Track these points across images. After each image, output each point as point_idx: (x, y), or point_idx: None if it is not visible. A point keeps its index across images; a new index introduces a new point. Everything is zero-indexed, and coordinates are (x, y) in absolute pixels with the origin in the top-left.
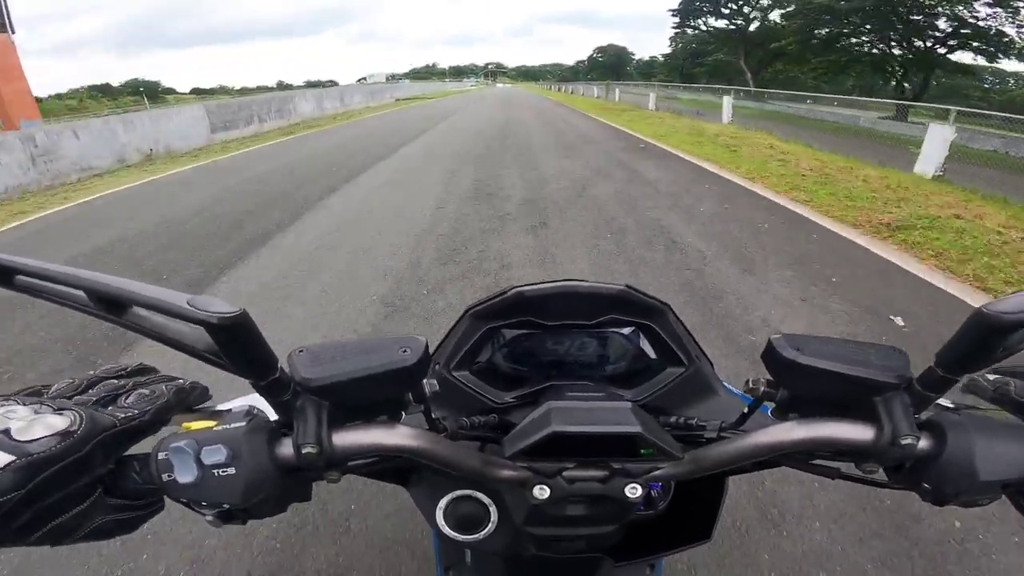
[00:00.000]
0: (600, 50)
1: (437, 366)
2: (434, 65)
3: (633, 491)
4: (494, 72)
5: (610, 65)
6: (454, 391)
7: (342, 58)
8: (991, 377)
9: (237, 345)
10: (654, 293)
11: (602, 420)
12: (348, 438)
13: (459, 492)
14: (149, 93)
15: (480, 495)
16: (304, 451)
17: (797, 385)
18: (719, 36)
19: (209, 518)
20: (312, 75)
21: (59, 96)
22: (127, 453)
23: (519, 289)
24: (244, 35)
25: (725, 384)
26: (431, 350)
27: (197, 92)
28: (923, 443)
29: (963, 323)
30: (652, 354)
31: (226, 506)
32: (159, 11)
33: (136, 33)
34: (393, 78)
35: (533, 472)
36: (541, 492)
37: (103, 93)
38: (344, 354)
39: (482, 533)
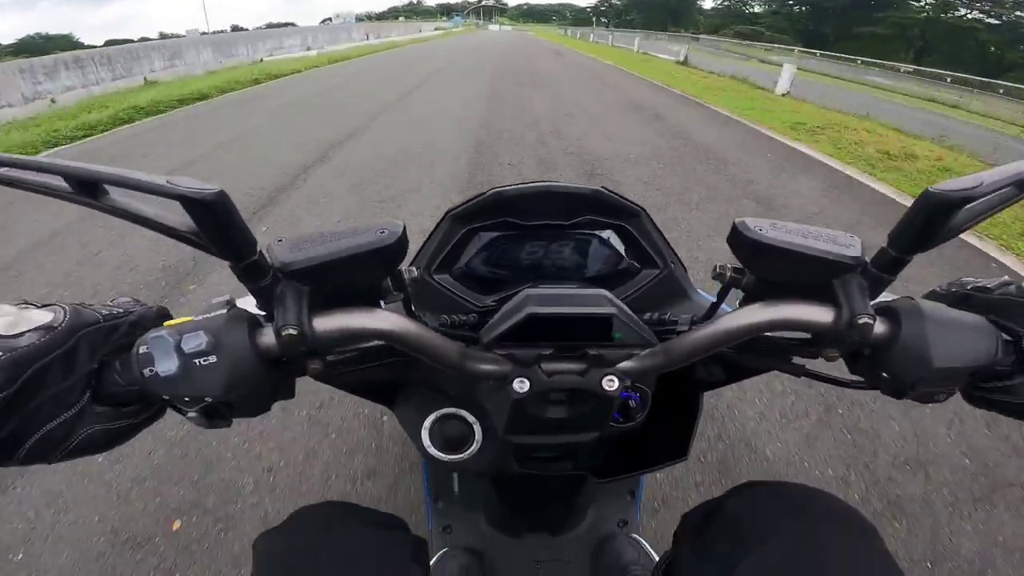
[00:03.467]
0: None
1: (419, 269)
2: (419, 3)
3: (610, 383)
4: (488, 9)
5: (661, 4)
6: (435, 294)
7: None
8: (944, 285)
9: (215, 224)
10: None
11: (578, 302)
12: (330, 322)
13: (444, 411)
14: (44, 50)
15: (464, 413)
16: (284, 333)
17: (761, 267)
18: None
19: (192, 414)
20: (276, 17)
21: None
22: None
23: (498, 189)
24: None
25: (699, 291)
26: (408, 235)
27: (111, 44)
28: (879, 327)
29: (912, 203)
30: (628, 257)
31: (208, 399)
32: None
33: None
34: (370, 18)
35: (512, 362)
36: (521, 385)
37: None
38: (323, 240)
39: (467, 452)
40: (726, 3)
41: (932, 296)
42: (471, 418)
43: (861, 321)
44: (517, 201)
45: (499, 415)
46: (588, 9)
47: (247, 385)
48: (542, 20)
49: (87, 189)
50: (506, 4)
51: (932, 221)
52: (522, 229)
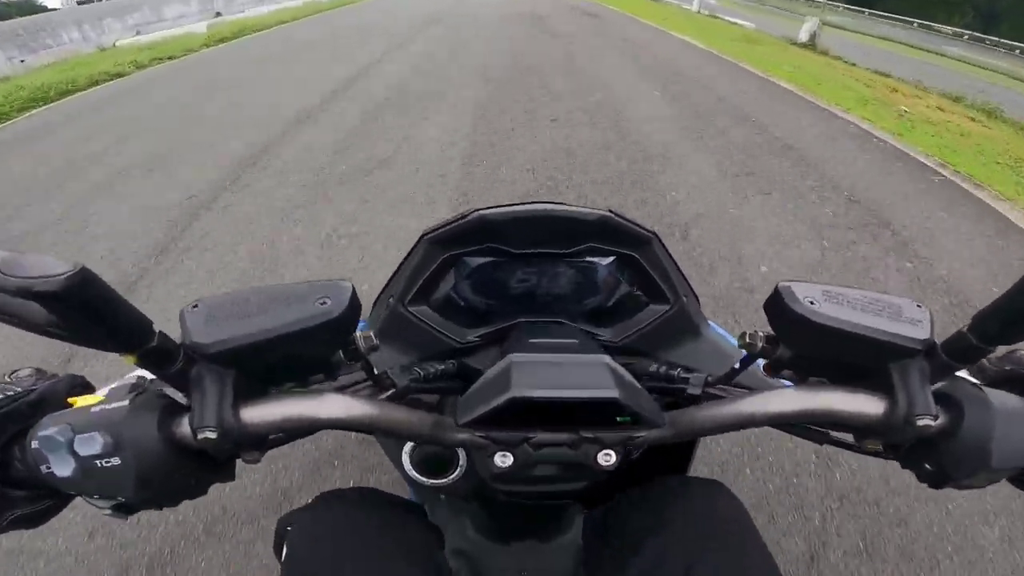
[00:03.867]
0: None
1: (391, 300)
2: None
3: (607, 459)
4: None
5: None
6: (409, 328)
7: None
8: (994, 359)
9: (81, 314)
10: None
11: (573, 382)
12: (262, 413)
13: None
14: (5, 18)
15: None
16: (201, 436)
17: (802, 343)
18: None
19: (107, 512)
20: None
21: None
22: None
23: (481, 212)
24: None
25: (712, 324)
26: (359, 296)
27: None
28: (938, 420)
29: (1015, 284)
30: (634, 289)
31: (121, 499)
32: None
33: None
34: None
35: (492, 441)
36: (503, 460)
37: None
38: (249, 309)
39: (450, 478)
40: None
41: (977, 372)
42: None
43: (920, 423)
44: (505, 226)
45: (483, 467)
46: None
47: (164, 482)
48: None
49: None
50: None
51: None
52: (511, 256)
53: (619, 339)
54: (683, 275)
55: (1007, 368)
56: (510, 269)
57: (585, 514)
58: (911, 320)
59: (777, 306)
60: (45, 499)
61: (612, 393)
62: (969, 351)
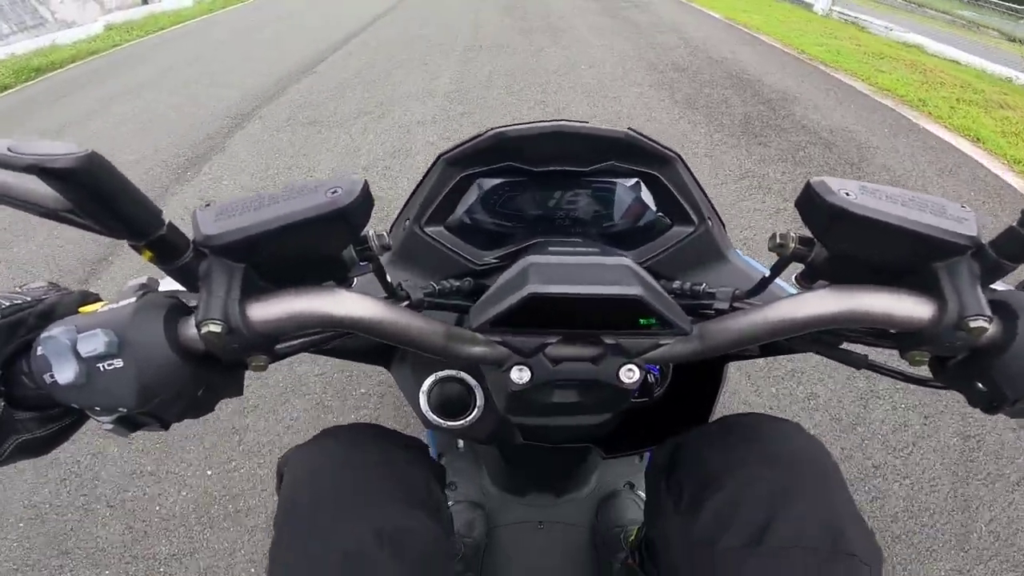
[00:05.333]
0: None
1: (407, 221)
2: None
3: (629, 375)
4: None
5: None
6: (427, 250)
7: None
8: None
9: (91, 197)
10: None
11: (593, 279)
12: (269, 310)
13: (443, 373)
14: None
15: (466, 376)
16: (205, 330)
17: (839, 242)
18: None
19: (108, 426)
20: None
21: None
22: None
23: (499, 130)
24: None
25: (738, 252)
26: (370, 191)
27: None
28: (991, 328)
29: None
30: (657, 211)
31: (122, 410)
32: None
33: None
34: None
35: (509, 349)
36: (520, 375)
37: None
38: (260, 204)
39: (467, 419)
40: None
41: None
42: (472, 381)
43: (974, 324)
44: (523, 143)
45: (498, 394)
46: None
47: (168, 390)
48: None
49: None
50: None
51: None
52: (530, 176)
53: (641, 261)
54: (708, 198)
55: None
56: (528, 189)
57: (650, 450)
58: (956, 217)
59: (810, 202)
60: (52, 422)
61: (635, 290)
62: (1022, 247)
